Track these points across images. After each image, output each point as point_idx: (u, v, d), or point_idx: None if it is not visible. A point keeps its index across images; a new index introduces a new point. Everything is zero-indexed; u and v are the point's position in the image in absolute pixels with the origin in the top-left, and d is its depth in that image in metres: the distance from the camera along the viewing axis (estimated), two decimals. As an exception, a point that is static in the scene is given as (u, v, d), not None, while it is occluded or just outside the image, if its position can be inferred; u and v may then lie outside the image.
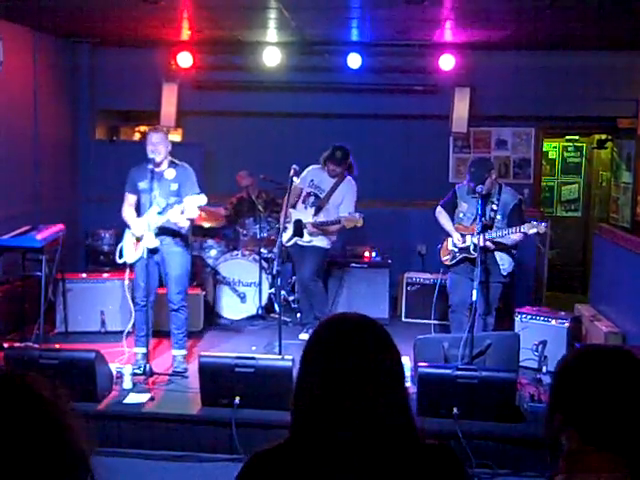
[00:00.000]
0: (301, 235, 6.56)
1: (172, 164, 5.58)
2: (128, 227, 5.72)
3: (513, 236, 5.55)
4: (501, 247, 5.68)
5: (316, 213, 6.58)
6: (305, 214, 6.61)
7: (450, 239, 5.91)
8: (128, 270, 5.79)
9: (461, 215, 5.87)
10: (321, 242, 6.60)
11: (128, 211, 5.74)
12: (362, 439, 1.50)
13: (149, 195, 5.52)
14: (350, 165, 6.55)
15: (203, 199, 5.37)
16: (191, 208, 5.41)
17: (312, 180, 6.64)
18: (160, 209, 5.50)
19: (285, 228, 6.67)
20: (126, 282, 5.86)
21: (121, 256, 5.74)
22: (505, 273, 5.79)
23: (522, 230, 5.42)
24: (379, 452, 1.50)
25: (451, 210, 5.96)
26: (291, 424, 1.60)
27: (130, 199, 5.74)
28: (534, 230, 5.38)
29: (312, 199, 6.62)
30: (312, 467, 1.51)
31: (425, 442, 1.61)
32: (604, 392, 1.56)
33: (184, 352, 5.87)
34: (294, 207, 6.72)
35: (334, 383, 1.52)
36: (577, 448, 1.57)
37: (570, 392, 1.61)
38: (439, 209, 6.04)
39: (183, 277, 5.77)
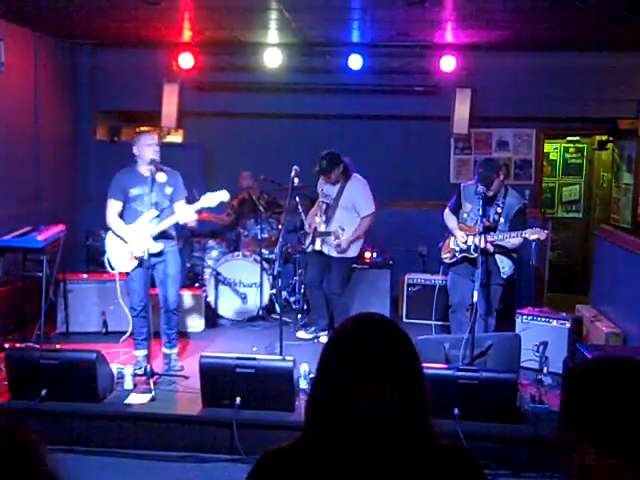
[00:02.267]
0: (314, 243, 6.61)
1: (159, 168, 5.52)
2: (119, 236, 5.58)
3: (513, 240, 5.55)
4: (502, 250, 5.68)
5: (327, 222, 6.57)
6: (319, 222, 6.64)
7: (453, 237, 5.91)
8: (118, 275, 5.68)
9: (465, 215, 5.87)
10: (345, 252, 6.58)
11: (117, 221, 5.58)
12: (377, 439, 1.49)
13: (145, 200, 5.46)
14: (345, 167, 6.52)
15: (225, 195, 5.48)
16: (187, 213, 5.48)
17: (322, 190, 6.69)
18: (158, 213, 5.50)
19: (307, 235, 6.72)
20: (118, 289, 5.76)
21: (112, 267, 5.62)
22: (505, 276, 5.79)
23: (524, 235, 5.40)
24: (394, 452, 1.49)
25: (456, 211, 5.96)
26: (305, 422, 1.58)
27: (116, 206, 5.58)
28: (535, 236, 5.34)
29: (324, 207, 6.65)
30: (326, 466, 1.50)
31: (441, 443, 1.59)
32: (619, 406, 1.54)
33: (177, 350, 5.94)
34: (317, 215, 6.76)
35: (353, 383, 1.50)
36: (591, 459, 1.56)
37: (584, 405, 1.60)
38: (447, 212, 6.04)
39: (180, 276, 5.82)
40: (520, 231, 5.45)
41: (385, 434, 1.49)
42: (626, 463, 1.52)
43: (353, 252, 6.65)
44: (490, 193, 5.60)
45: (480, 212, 5.45)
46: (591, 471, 1.56)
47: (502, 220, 5.67)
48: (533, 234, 5.36)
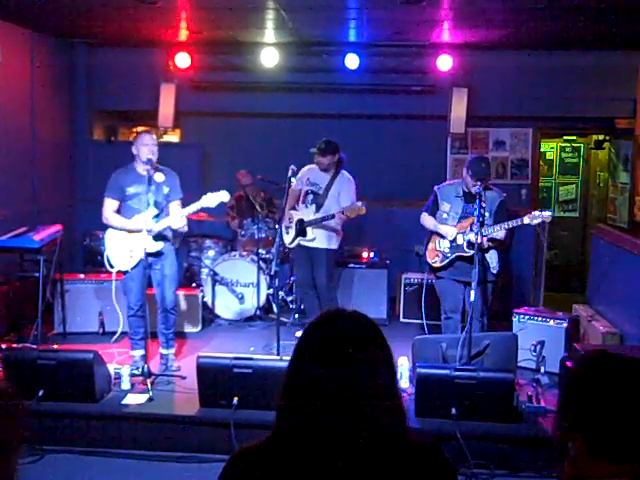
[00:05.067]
0: (304, 235, 6.54)
1: (157, 168, 5.52)
2: (120, 229, 5.58)
3: (500, 233, 5.51)
4: (495, 244, 5.64)
5: (317, 210, 6.52)
6: (306, 212, 6.57)
7: (436, 240, 5.81)
8: (114, 275, 5.65)
9: (444, 215, 5.77)
10: (327, 243, 6.56)
11: (116, 216, 5.59)
12: (350, 436, 1.50)
13: (142, 199, 5.46)
14: (340, 159, 6.51)
15: (225, 195, 5.45)
16: (177, 219, 5.47)
17: (308, 178, 6.62)
18: (157, 212, 5.50)
19: (287, 230, 6.68)
20: (114, 290, 5.69)
21: (112, 266, 5.60)
22: (494, 271, 5.72)
23: (524, 222, 5.34)
24: (366, 449, 1.50)
25: (433, 213, 5.86)
26: (277, 419, 1.59)
27: (113, 205, 5.59)
28: (537, 220, 5.30)
29: (311, 197, 6.59)
30: (299, 463, 1.51)
31: (413, 439, 1.60)
32: (615, 402, 1.55)
33: (174, 350, 5.95)
34: (294, 209, 6.71)
35: (325, 376, 1.52)
36: (582, 454, 1.57)
37: (581, 399, 1.60)
38: (424, 215, 5.90)
39: (177, 276, 5.81)
40: (519, 219, 5.38)
41: (356, 426, 1.50)
42: (620, 462, 1.53)
43: (334, 244, 6.61)
44: (479, 191, 5.51)
45: (478, 210, 5.39)
46: (584, 469, 1.56)
47: (487, 214, 5.60)
48: (535, 219, 5.29)
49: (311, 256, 6.63)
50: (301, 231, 6.56)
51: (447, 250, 5.75)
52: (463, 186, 5.67)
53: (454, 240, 5.69)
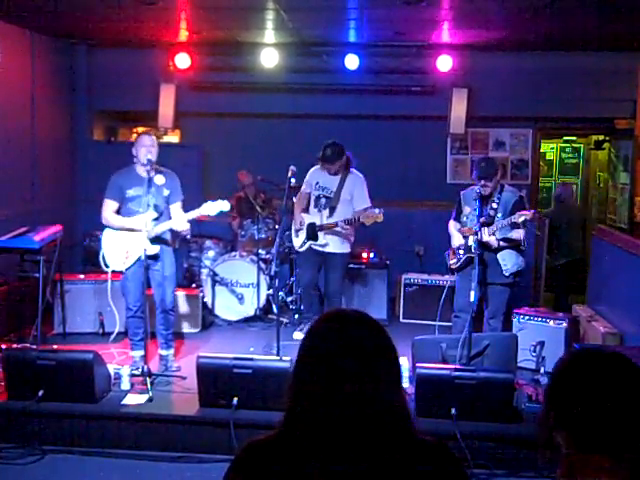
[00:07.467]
0: (315, 238, 6.50)
1: (157, 170, 5.52)
2: (119, 228, 5.58)
3: (515, 234, 5.57)
4: (510, 245, 5.68)
5: (331, 214, 6.47)
6: (319, 217, 6.52)
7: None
8: (110, 275, 5.67)
9: (464, 219, 5.91)
10: (341, 247, 6.53)
11: (115, 216, 5.59)
12: (357, 433, 1.50)
13: (142, 201, 5.44)
14: (348, 159, 6.46)
15: (226, 205, 5.46)
16: (181, 223, 5.47)
17: (317, 183, 6.56)
18: (157, 215, 5.49)
19: (297, 233, 6.65)
20: (109, 290, 5.74)
21: (107, 265, 5.61)
22: (507, 273, 5.73)
23: (512, 220, 5.43)
24: (374, 446, 1.50)
25: (458, 217, 6.01)
26: (285, 415, 1.59)
27: (112, 206, 5.59)
28: (522, 218, 5.38)
29: (323, 201, 6.53)
30: (306, 459, 1.52)
31: (419, 438, 1.60)
32: (597, 396, 1.56)
33: (173, 351, 5.95)
34: (306, 211, 6.69)
35: (332, 378, 1.52)
36: (571, 450, 1.57)
37: (563, 395, 1.62)
38: (451, 222, 6.08)
39: (175, 276, 5.82)
40: (509, 217, 5.48)
41: (362, 427, 1.50)
42: (608, 456, 1.53)
43: (347, 248, 6.60)
44: (487, 191, 5.62)
45: (477, 211, 5.48)
46: (571, 464, 1.57)
47: (499, 215, 5.67)
48: (520, 217, 5.39)
49: (324, 261, 6.60)
50: (312, 235, 6.51)
51: (461, 252, 5.89)
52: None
53: (467, 242, 5.77)
